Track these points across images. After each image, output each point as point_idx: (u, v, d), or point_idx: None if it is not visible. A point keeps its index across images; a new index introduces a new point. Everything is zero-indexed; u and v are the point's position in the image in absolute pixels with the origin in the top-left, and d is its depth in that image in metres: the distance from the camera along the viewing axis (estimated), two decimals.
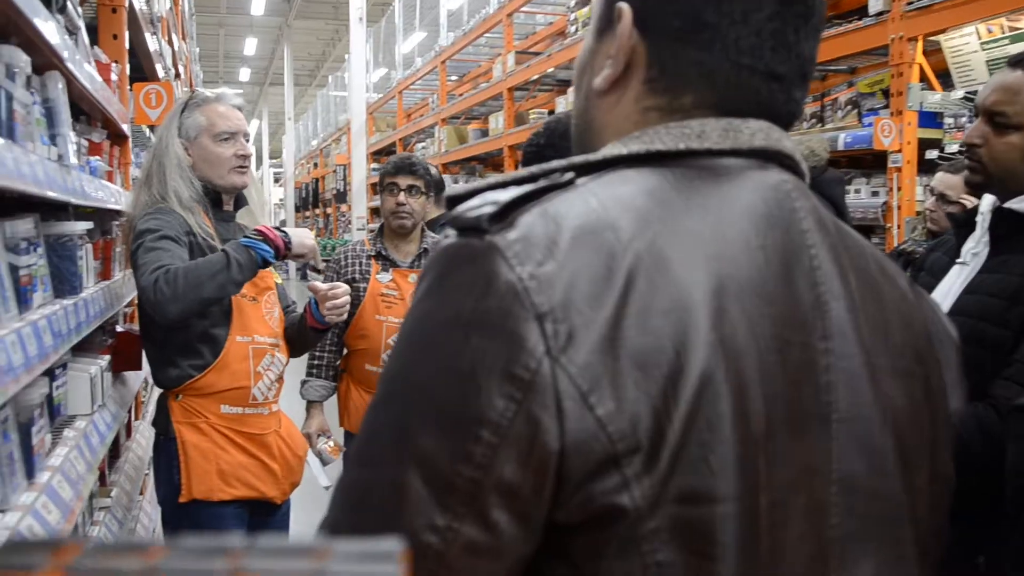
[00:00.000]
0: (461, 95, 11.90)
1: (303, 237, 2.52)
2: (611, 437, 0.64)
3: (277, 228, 2.48)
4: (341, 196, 19.16)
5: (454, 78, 12.98)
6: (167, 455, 2.57)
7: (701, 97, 0.80)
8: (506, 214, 0.68)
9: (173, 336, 2.51)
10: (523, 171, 0.73)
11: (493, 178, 0.73)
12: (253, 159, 2.78)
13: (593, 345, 0.64)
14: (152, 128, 5.26)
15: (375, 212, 15.78)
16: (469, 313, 0.65)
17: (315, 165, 23.87)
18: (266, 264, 2.43)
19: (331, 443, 3.47)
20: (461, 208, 0.69)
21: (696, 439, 0.66)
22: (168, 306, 2.29)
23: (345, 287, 2.73)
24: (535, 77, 9.16)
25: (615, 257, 0.67)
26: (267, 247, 2.42)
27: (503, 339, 0.64)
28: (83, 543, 0.34)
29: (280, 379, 2.72)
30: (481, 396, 0.64)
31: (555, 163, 0.74)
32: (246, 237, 2.44)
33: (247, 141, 2.72)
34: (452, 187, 0.74)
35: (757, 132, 0.79)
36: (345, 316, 2.74)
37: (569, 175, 0.73)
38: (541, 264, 0.65)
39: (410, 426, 0.66)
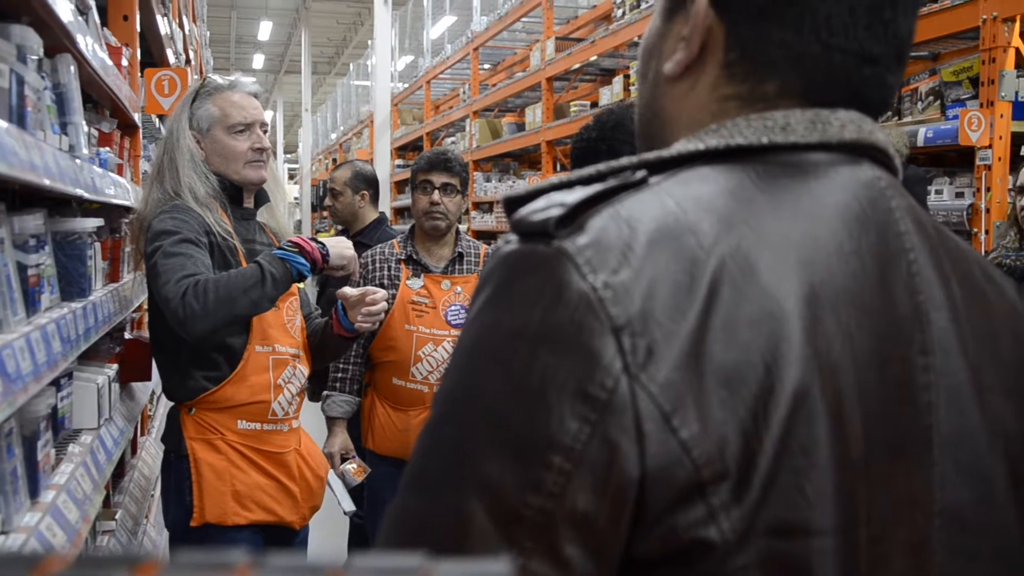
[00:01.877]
0: (495, 85, 11.91)
1: (342, 248, 2.55)
2: (696, 463, 0.63)
3: (313, 239, 2.50)
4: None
5: (487, 67, 13.01)
6: (178, 475, 2.59)
7: (786, 84, 0.79)
8: (574, 217, 0.68)
9: (187, 345, 2.53)
10: (589, 169, 0.73)
11: (556, 178, 0.73)
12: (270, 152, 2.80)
13: (675, 361, 0.64)
14: (162, 118, 5.34)
15: (399, 212, 15.84)
16: (537, 326, 0.65)
17: (334, 161, 24.05)
18: (302, 278, 2.46)
19: (355, 464, 3.48)
20: (524, 211, 0.69)
21: (790, 465, 0.65)
22: (197, 323, 2.31)
23: (383, 292, 2.74)
24: (577, 66, 9.15)
25: (697, 263, 0.67)
26: (303, 260, 2.44)
27: (576, 355, 0.64)
28: (67, 556, 0.34)
29: (302, 393, 2.74)
30: (552, 418, 0.63)
31: (624, 160, 0.74)
32: (280, 248, 2.46)
33: (264, 132, 2.74)
34: (512, 188, 0.73)
35: (848, 124, 0.78)
36: (378, 324, 2.74)
37: (641, 173, 0.73)
38: (616, 272, 0.65)
39: (472, 450, 0.66)
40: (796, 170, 0.75)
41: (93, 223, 2.41)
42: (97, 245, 2.64)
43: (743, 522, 0.64)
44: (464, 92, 12.89)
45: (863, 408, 0.69)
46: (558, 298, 0.65)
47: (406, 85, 16.39)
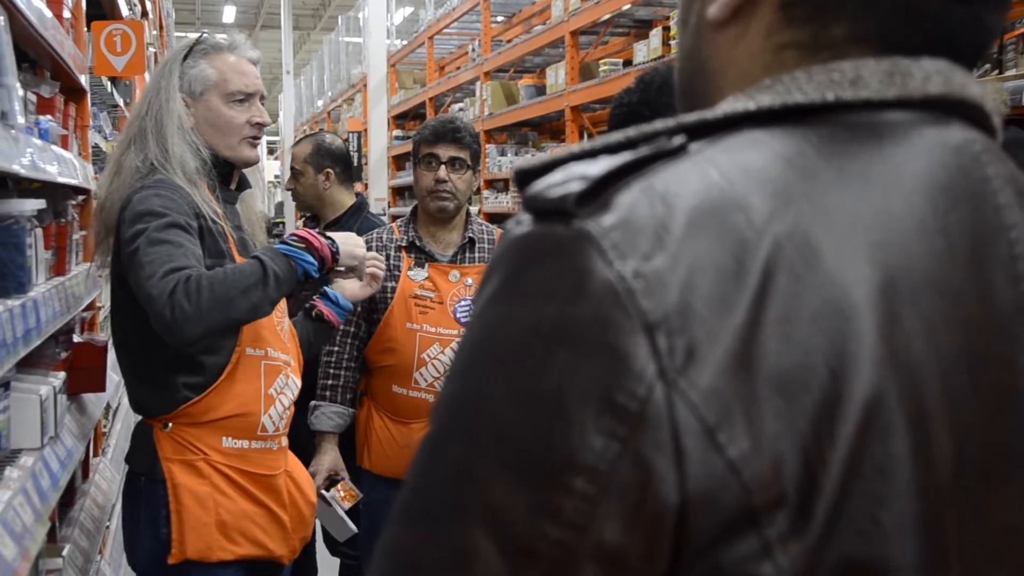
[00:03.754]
0: (509, 41, 11.91)
1: (352, 245, 2.56)
2: (747, 486, 0.62)
3: (321, 233, 2.51)
4: (355, 172, 19.31)
5: (500, 19, 13.01)
6: (151, 503, 2.57)
7: (857, 27, 0.76)
8: (598, 192, 0.66)
9: (164, 347, 2.50)
10: (617, 135, 0.70)
11: (577, 146, 0.71)
12: None
13: (720, 363, 0.62)
14: (115, 81, 5.34)
15: (398, 192, 15.88)
16: (554, 323, 0.64)
17: (321, 131, 24.07)
18: (307, 280, 2.47)
19: (344, 487, 3.47)
20: (538, 186, 0.68)
21: (862, 489, 0.64)
22: (187, 326, 2.30)
23: (375, 255, 2.76)
24: (606, 17, 9.13)
25: (746, 246, 0.65)
26: (311, 258, 2.45)
27: (600, 357, 0.63)
28: None
29: (292, 407, 2.75)
30: (572, 433, 0.62)
31: (659, 124, 0.72)
32: (284, 243, 2.46)
33: (262, 104, 2.77)
34: (524, 159, 0.72)
35: (933, 75, 0.75)
36: (379, 287, 2.80)
37: (679, 139, 0.70)
38: (648, 257, 0.64)
39: (477, 471, 0.65)
40: (868, 133, 0.73)
41: (33, 205, 2.40)
42: (38, 231, 2.62)
43: (805, 558, 0.63)
44: (474, 50, 12.89)
45: (952, 420, 0.67)
46: (579, 289, 0.64)
47: (405, 42, 16.41)
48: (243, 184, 2.80)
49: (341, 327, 3.04)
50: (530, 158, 0.72)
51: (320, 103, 24.52)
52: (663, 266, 0.63)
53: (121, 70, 3.95)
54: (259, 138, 2.72)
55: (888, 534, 0.64)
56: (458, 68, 14.06)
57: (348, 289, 2.78)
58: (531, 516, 0.63)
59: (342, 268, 2.57)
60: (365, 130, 16.86)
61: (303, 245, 2.44)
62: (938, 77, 0.75)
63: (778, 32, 0.79)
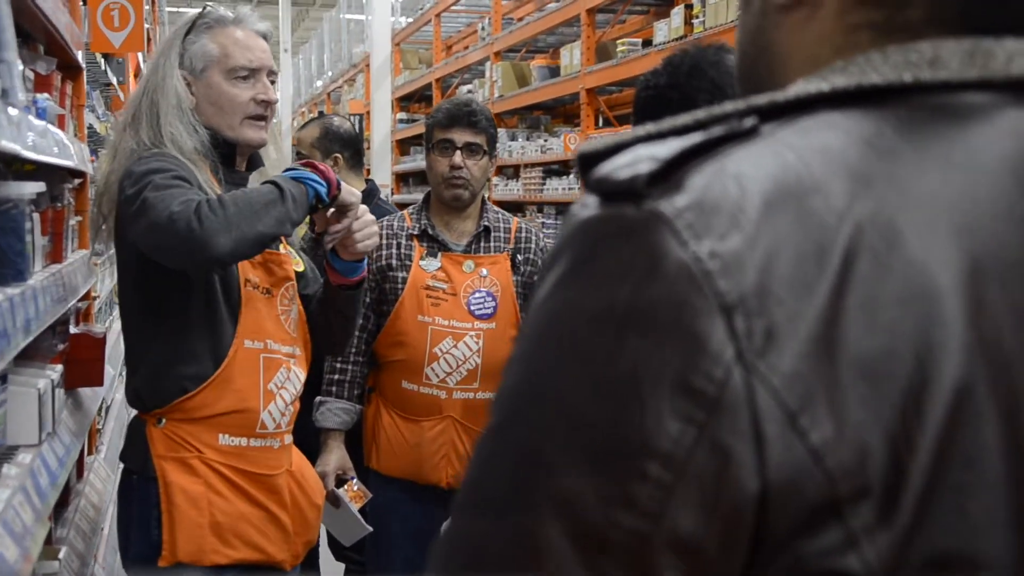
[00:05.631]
0: (521, 19, 11.89)
1: (347, 185, 2.61)
2: (831, 475, 0.63)
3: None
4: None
5: None
6: (143, 502, 2.58)
7: (937, 6, 0.76)
8: (669, 173, 0.67)
9: (166, 335, 2.50)
10: (684, 118, 0.72)
11: (643, 129, 0.72)
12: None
13: (802, 347, 0.63)
14: (108, 58, 5.33)
15: (402, 178, 15.87)
16: (626, 306, 0.65)
17: (321, 114, 24.06)
18: (319, 203, 2.50)
19: (354, 487, 3.47)
20: (605, 168, 0.69)
21: (951, 480, 0.64)
22: (218, 237, 2.27)
23: (364, 208, 2.73)
24: None
25: (826, 229, 0.65)
26: (320, 181, 2.49)
27: (676, 339, 0.64)
28: None
29: (296, 401, 2.73)
30: (646, 417, 0.63)
31: (729, 106, 0.72)
32: (290, 169, 2.51)
33: (273, 83, 2.74)
34: (588, 142, 0.73)
35: (1016, 56, 0.75)
36: (377, 240, 2.79)
37: (751, 121, 0.71)
38: (724, 238, 0.65)
39: (546, 458, 0.66)
40: (949, 115, 0.73)
41: (33, 188, 2.39)
42: (36, 216, 2.62)
43: (893, 551, 0.63)
44: (483, 28, 12.87)
45: None
46: (652, 271, 0.65)
47: (410, 19, 16.40)
48: (254, 163, 2.78)
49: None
50: (593, 141, 0.73)
51: (319, 84, 24.49)
52: (740, 247, 0.64)
53: (119, 46, 3.95)
54: (265, 117, 2.69)
55: (979, 527, 0.64)
56: (466, 48, 14.04)
57: (343, 252, 2.75)
58: (604, 504, 0.64)
59: (345, 206, 2.59)
60: (368, 113, 16.87)
61: (309, 169, 2.50)
62: (1021, 57, 0.75)
63: (850, 12, 0.79)
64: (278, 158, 2.89)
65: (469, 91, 13.04)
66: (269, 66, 2.73)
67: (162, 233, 2.33)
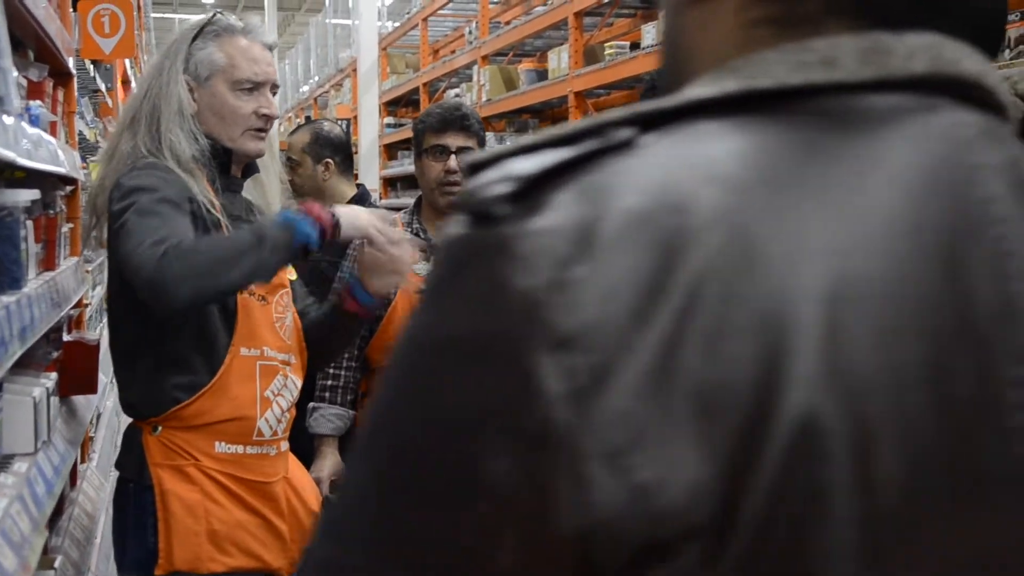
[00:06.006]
0: (508, 23, 11.89)
1: (354, 216, 2.50)
2: (657, 515, 0.60)
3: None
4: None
5: (498, 0, 12.99)
6: (139, 510, 2.57)
7: None
8: (532, 192, 0.63)
9: (157, 341, 2.51)
10: (567, 127, 0.67)
11: (529, 138, 0.68)
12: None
13: (636, 382, 0.60)
14: (96, 64, 5.33)
15: (390, 183, 15.84)
16: (468, 338, 0.63)
17: (308, 119, 24.05)
18: (306, 252, 2.41)
19: None
20: (475, 183, 0.65)
21: (789, 518, 0.61)
22: (177, 287, 2.25)
23: (400, 232, 2.67)
24: None
25: (678, 253, 0.62)
26: (308, 227, 2.38)
27: (508, 375, 0.61)
28: None
29: (292, 408, 2.73)
30: (479, 454, 0.62)
31: (613, 115, 0.68)
32: (287, 211, 2.44)
33: (274, 95, 2.74)
34: (476, 153, 0.70)
35: (918, 51, 0.71)
36: (400, 279, 2.68)
37: (627, 132, 0.66)
38: (570, 266, 0.61)
39: (388, 489, 0.66)
40: (838, 121, 0.69)
41: (28, 196, 2.39)
42: (29, 224, 2.62)
43: None
44: (470, 32, 12.86)
45: (906, 442, 0.63)
46: (492, 302, 0.62)
47: (397, 24, 16.37)
48: (249, 170, 2.78)
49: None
50: (482, 152, 0.70)
51: (306, 88, 24.44)
52: (584, 276, 0.61)
53: (109, 53, 3.94)
54: (265, 131, 2.69)
55: (821, 564, 0.62)
56: (453, 52, 14.01)
57: (370, 283, 2.67)
58: (436, 540, 0.64)
59: (358, 241, 2.51)
60: (355, 117, 16.84)
61: (305, 212, 2.41)
62: (924, 53, 0.71)
63: (750, 7, 0.75)
64: (272, 162, 2.88)
65: (457, 95, 13.03)
66: (273, 80, 2.72)
67: (130, 269, 2.33)
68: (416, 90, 14.74)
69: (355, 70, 17.04)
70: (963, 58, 0.72)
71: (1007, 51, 5.62)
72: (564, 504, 0.60)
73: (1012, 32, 5.66)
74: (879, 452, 0.62)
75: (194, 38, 2.68)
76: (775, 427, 0.60)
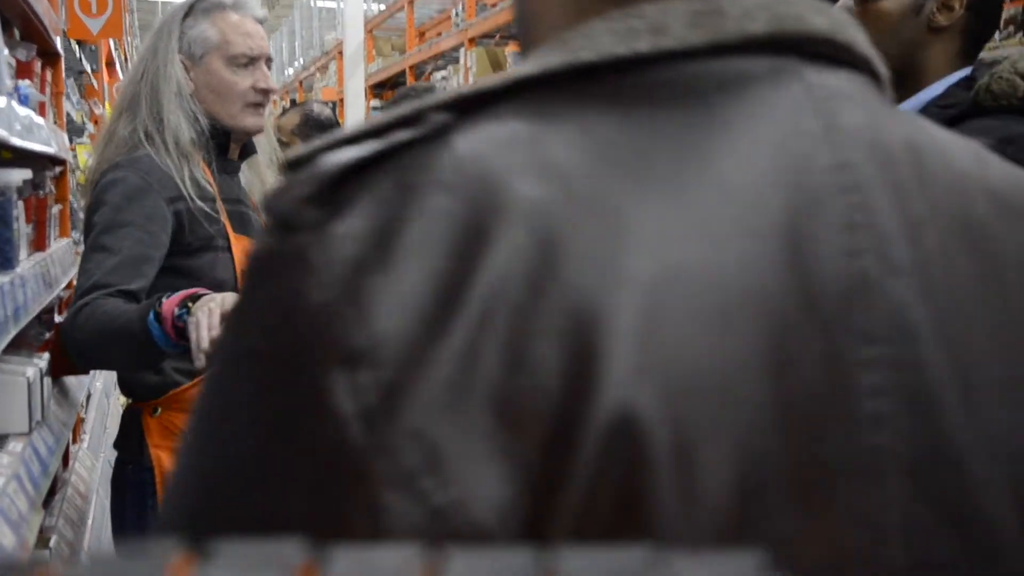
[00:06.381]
0: (495, 5, 11.87)
1: (202, 327, 2.16)
2: (461, 538, 0.55)
3: (193, 297, 2.22)
4: None
5: None
6: (138, 491, 2.58)
7: None
8: (335, 193, 0.58)
9: None
10: (389, 115, 0.62)
11: (350, 128, 0.62)
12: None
13: (431, 398, 0.55)
14: (82, 45, 5.31)
15: None
16: (264, 356, 0.59)
17: (293, 102, 24.01)
18: (161, 356, 2.30)
19: None
20: (283, 184, 0.60)
21: (602, 531, 0.56)
22: (73, 351, 2.38)
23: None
24: None
25: (477, 255, 0.57)
26: (158, 328, 2.20)
27: (302, 397, 0.57)
28: (73, 560, 0.34)
29: None
30: (276, 483, 0.58)
31: (430, 99, 0.63)
32: (153, 303, 2.24)
33: (269, 69, 2.73)
34: (294, 149, 0.65)
35: (754, 10, 0.65)
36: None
37: (441, 118, 0.61)
38: (364, 275, 0.56)
39: (195, 508, 0.62)
40: (670, 94, 0.64)
41: (20, 175, 2.39)
42: (21, 204, 2.62)
43: None
44: (457, 14, 12.85)
45: (741, 439, 0.58)
46: (286, 317, 0.58)
47: (383, 6, 16.36)
48: (247, 151, 2.76)
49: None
50: (301, 147, 0.63)
51: (291, 71, 24.41)
52: (378, 285, 0.56)
53: (96, 33, 3.93)
54: (263, 105, 2.68)
55: None
56: (440, 34, 14.01)
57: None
58: None
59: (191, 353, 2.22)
60: (341, 100, 16.82)
61: (158, 317, 2.21)
62: (761, 12, 0.65)
63: None
64: (269, 146, 2.88)
65: (444, 78, 13.02)
66: (268, 54, 2.71)
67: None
68: (402, 73, 14.72)
69: (341, 52, 17.02)
70: (807, 13, 0.67)
71: (996, 32, 5.64)
72: (364, 534, 0.55)
73: (1003, 13, 5.67)
74: (706, 454, 0.57)
75: (185, 16, 2.66)
76: (587, 435, 0.55)
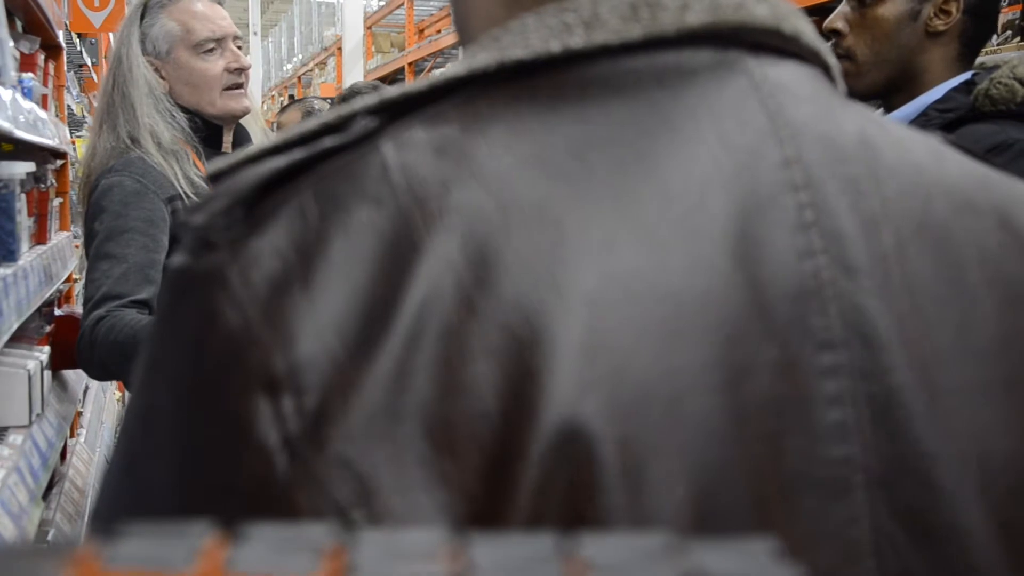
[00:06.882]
0: None
1: None
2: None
3: None
4: None
5: None
6: None
7: None
8: (254, 207, 0.55)
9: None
10: (313, 123, 0.59)
11: (273, 138, 0.59)
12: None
13: (359, 426, 0.52)
14: (81, 37, 5.32)
15: None
16: (181, 378, 0.56)
17: (291, 98, 23.99)
18: None
19: None
20: (203, 200, 0.57)
21: None
22: (92, 367, 2.39)
23: None
24: None
25: (407, 270, 0.54)
26: None
27: (221, 426, 0.53)
28: (100, 550, 0.34)
29: None
30: (194, 517, 0.55)
31: (358, 103, 0.60)
32: None
33: (239, 48, 2.69)
34: (216, 160, 0.60)
35: (693, 1, 0.62)
36: None
37: (367, 123, 0.58)
38: (284, 293, 0.53)
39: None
40: (607, 92, 0.61)
41: (24, 168, 2.39)
42: (23, 197, 2.63)
43: None
44: None
45: (694, 456, 0.55)
46: (202, 341, 0.55)
47: (382, 2, 16.34)
48: (240, 141, 2.72)
49: None
50: (222, 159, 0.59)
51: (289, 67, 24.38)
52: (300, 304, 0.53)
53: (99, 26, 3.94)
54: (242, 84, 2.63)
55: None
56: (439, 31, 14.01)
57: None
58: None
59: None
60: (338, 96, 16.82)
61: None
62: (699, 3, 0.62)
63: None
64: (262, 133, 2.85)
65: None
66: (233, 32, 2.66)
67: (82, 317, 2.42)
68: (401, 70, 14.72)
69: (340, 49, 17.02)
70: (748, 2, 0.63)
71: (995, 36, 5.66)
72: None
73: (1000, 17, 5.70)
74: (657, 472, 0.54)
75: (142, 16, 2.62)
76: (530, 459, 0.52)
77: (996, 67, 2.25)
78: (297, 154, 0.56)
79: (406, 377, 0.52)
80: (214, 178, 0.57)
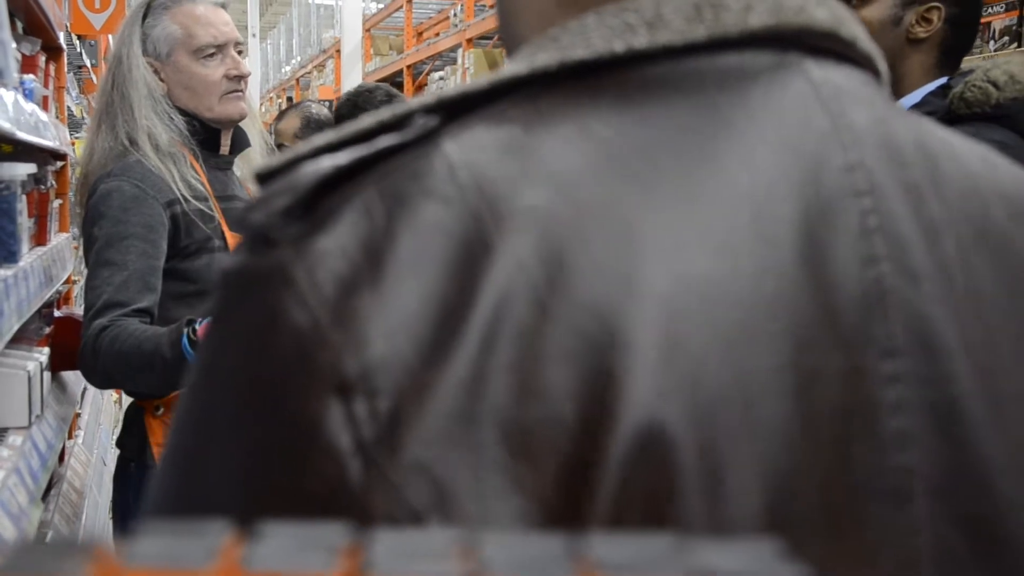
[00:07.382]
0: (493, 5, 11.88)
1: None
2: None
3: None
4: None
5: None
6: (139, 488, 2.56)
7: None
8: (316, 205, 0.54)
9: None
10: (369, 120, 0.57)
11: (329, 135, 0.57)
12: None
13: (435, 429, 0.51)
14: (80, 38, 5.32)
15: None
16: (243, 382, 0.55)
17: (289, 100, 23.99)
18: None
19: None
20: (260, 197, 0.56)
21: None
22: (94, 375, 2.46)
23: None
24: None
25: (477, 271, 0.53)
26: (193, 356, 2.27)
27: (287, 428, 0.52)
28: (118, 548, 0.35)
29: None
30: (260, 516, 0.53)
31: (415, 101, 0.58)
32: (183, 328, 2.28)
33: (240, 54, 2.69)
34: (267, 159, 0.59)
35: (755, 3, 0.61)
36: None
37: (427, 121, 0.57)
38: (353, 293, 0.52)
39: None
40: (672, 93, 0.60)
41: (25, 169, 2.40)
42: (24, 198, 2.63)
43: None
44: (455, 14, 12.85)
45: (768, 462, 0.55)
46: (267, 341, 0.53)
47: (381, 5, 16.34)
48: (239, 145, 2.73)
49: None
50: (274, 158, 0.58)
51: (288, 69, 24.38)
52: (371, 305, 0.52)
53: (100, 28, 3.95)
54: (241, 91, 2.63)
55: None
56: (438, 34, 14.01)
57: None
58: None
59: None
60: (337, 99, 16.82)
61: (192, 341, 2.27)
62: (762, 4, 0.61)
63: None
64: (260, 136, 2.85)
65: (441, 78, 13.04)
66: (235, 38, 2.66)
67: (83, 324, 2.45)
68: (400, 72, 14.73)
69: (338, 51, 17.03)
70: (810, 6, 0.63)
71: (992, 42, 5.67)
72: None
73: (997, 23, 5.71)
74: (734, 479, 0.53)
75: (144, 17, 2.62)
76: (609, 465, 0.51)
77: (971, 71, 2.30)
78: (356, 152, 0.55)
79: (481, 381, 0.51)
80: (264, 177, 0.57)
